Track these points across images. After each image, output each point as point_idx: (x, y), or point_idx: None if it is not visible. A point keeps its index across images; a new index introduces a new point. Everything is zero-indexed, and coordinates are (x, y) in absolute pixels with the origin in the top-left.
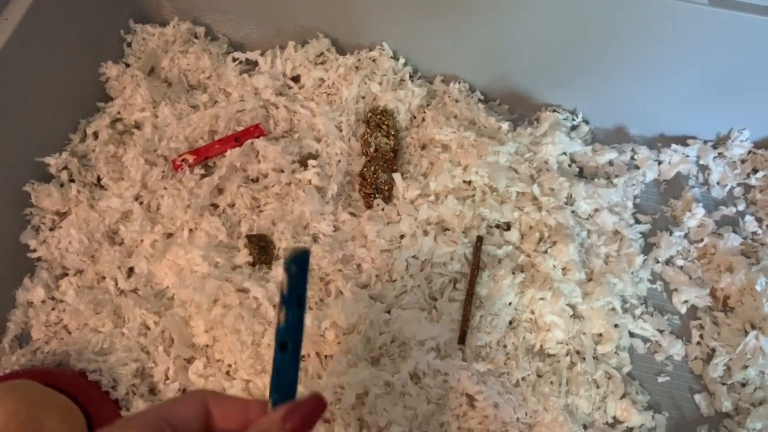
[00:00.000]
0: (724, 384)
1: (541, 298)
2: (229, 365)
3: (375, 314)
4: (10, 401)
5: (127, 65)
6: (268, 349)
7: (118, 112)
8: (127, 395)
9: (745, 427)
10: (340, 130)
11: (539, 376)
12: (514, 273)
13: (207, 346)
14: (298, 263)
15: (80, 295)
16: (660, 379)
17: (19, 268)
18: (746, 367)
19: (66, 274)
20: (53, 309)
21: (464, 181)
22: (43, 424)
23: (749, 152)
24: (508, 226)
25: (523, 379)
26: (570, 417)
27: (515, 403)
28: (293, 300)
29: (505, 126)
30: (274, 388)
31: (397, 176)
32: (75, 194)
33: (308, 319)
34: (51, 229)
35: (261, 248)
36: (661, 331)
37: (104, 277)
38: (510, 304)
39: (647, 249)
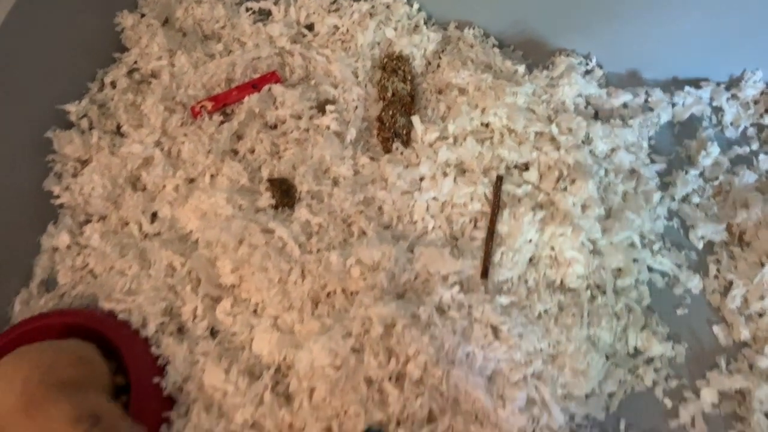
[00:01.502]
0: (741, 315)
1: (561, 235)
2: (257, 303)
3: (398, 252)
4: (25, 366)
5: (142, 15)
6: (295, 287)
7: (135, 62)
8: (156, 333)
9: (764, 354)
10: (357, 76)
11: (561, 309)
12: (534, 211)
13: (233, 286)
14: None
15: (105, 239)
16: (679, 312)
17: (43, 215)
18: (763, 297)
19: (89, 220)
20: (78, 254)
21: (482, 124)
22: (61, 376)
23: (762, 93)
24: (526, 166)
25: (545, 311)
26: (593, 347)
27: (539, 334)
28: None
29: (521, 69)
30: None
31: (415, 119)
32: (96, 141)
33: (333, 257)
34: (73, 176)
35: (283, 191)
36: (678, 266)
37: (128, 223)
38: (530, 241)
39: (663, 188)
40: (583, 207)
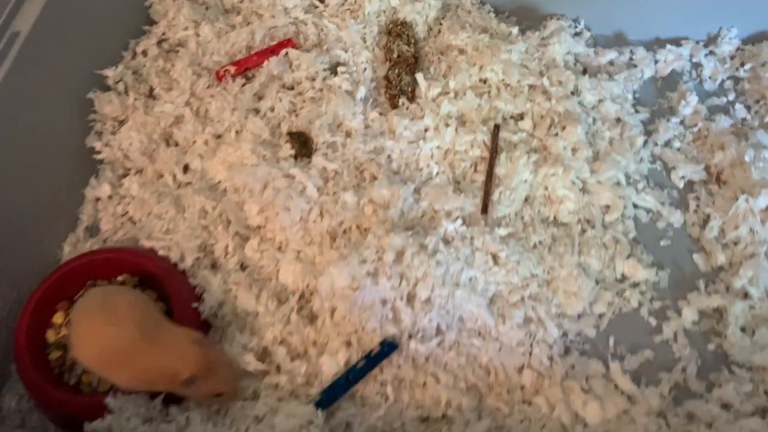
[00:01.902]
0: (718, 243)
1: (553, 175)
2: (281, 242)
3: (406, 192)
4: (86, 309)
5: None
6: (314, 224)
7: (163, 33)
8: (192, 267)
9: (739, 276)
10: (365, 41)
11: (554, 240)
12: (528, 154)
13: (260, 227)
14: (389, 346)
15: (143, 189)
16: (662, 243)
17: (85, 170)
18: (737, 227)
19: (127, 174)
20: (119, 203)
21: (480, 79)
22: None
23: (738, 49)
24: (521, 116)
25: (540, 242)
26: (583, 273)
27: (534, 261)
28: (371, 360)
29: (515, 30)
30: (325, 393)
31: (419, 76)
32: (132, 102)
33: (348, 197)
34: (112, 134)
35: (301, 143)
36: (661, 203)
37: (162, 175)
38: (525, 181)
39: (647, 135)
40: (573, 150)
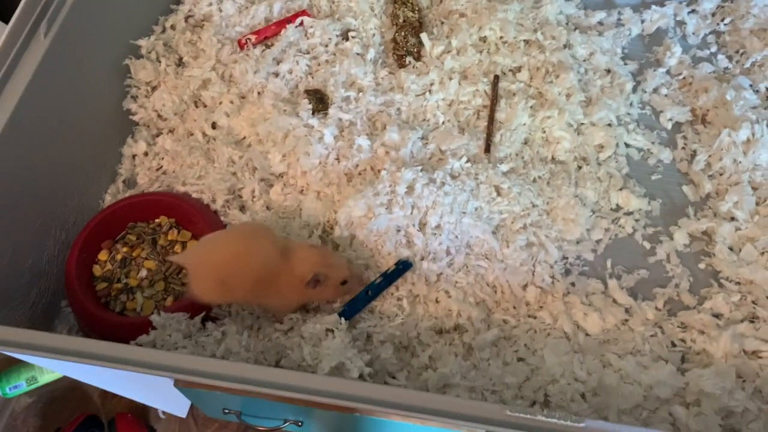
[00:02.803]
0: (705, 174)
1: (549, 117)
2: (302, 186)
3: (415, 138)
4: (261, 229)
5: None
6: (332, 167)
7: (189, 10)
8: (223, 207)
9: (724, 201)
10: (373, 10)
11: (552, 175)
12: (526, 100)
13: (283, 174)
14: (404, 264)
15: (176, 144)
16: (653, 177)
17: (123, 130)
18: (721, 159)
19: (161, 133)
20: (153, 159)
21: (480, 38)
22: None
23: (718, 6)
24: (519, 69)
25: (540, 177)
26: (580, 202)
27: (534, 193)
28: (387, 277)
29: None
30: (347, 305)
31: (424, 36)
32: (164, 68)
33: (362, 141)
34: (146, 97)
35: (318, 99)
36: (652, 143)
37: (192, 133)
38: (524, 124)
39: (636, 87)
40: (567, 95)
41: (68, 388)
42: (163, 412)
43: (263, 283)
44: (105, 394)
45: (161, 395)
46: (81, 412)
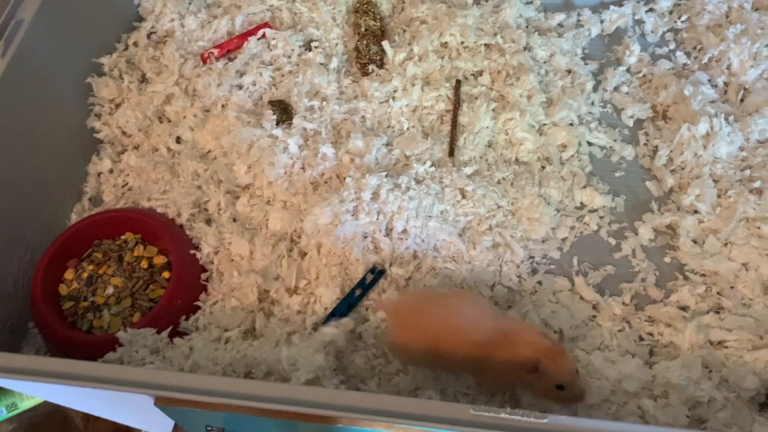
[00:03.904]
0: (667, 169)
1: (511, 119)
2: (269, 197)
3: (379, 144)
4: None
5: None
6: (298, 177)
7: (152, 26)
8: (188, 221)
9: (687, 194)
10: (335, 20)
11: (516, 176)
12: (488, 103)
13: (249, 185)
14: (377, 273)
15: (140, 160)
16: (617, 174)
17: (87, 148)
18: (683, 153)
19: (126, 150)
20: (119, 176)
21: (441, 44)
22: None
23: (675, 4)
24: (480, 73)
25: (503, 178)
26: (544, 201)
27: (499, 194)
28: (366, 285)
29: (470, 0)
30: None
31: (385, 44)
32: (126, 85)
33: (327, 149)
34: (110, 114)
35: (282, 109)
36: (614, 140)
37: (157, 148)
38: (487, 127)
39: (597, 86)
40: (528, 97)
41: (49, 412)
42: None
43: (476, 358)
44: (87, 417)
45: (143, 415)
46: None
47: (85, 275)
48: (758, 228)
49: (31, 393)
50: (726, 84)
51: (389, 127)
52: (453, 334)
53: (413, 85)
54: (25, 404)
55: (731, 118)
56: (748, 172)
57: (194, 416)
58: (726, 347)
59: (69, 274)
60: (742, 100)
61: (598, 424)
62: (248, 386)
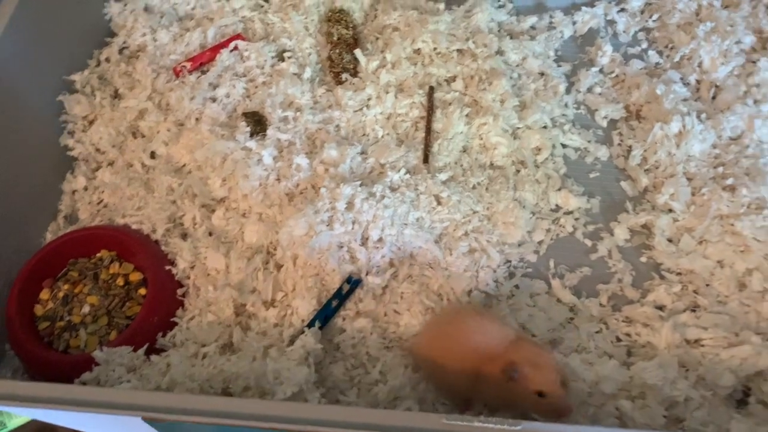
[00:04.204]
0: (642, 168)
1: (485, 124)
2: (244, 209)
3: (354, 153)
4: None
5: (125, 4)
6: (273, 188)
7: (124, 42)
8: (164, 236)
9: (661, 193)
10: (307, 30)
11: (491, 180)
12: (461, 109)
13: (224, 198)
14: (355, 282)
15: (115, 176)
16: (591, 176)
17: (62, 166)
18: (656, 152)
19: (100, 166)
20: (94, 193)
21: (414, 50)
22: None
23: (646, 3)
24: (454, 79)
25: (478, 183)
26: (519, 205)
27: (474, 199)
28: (343, 296)
29: (441, 6)
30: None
31: (358, 52)
32: (99, 101)
33: (301, 160)
34: (83, 131)
35: (256, 121)
36: (588, 141)
37: (132, 164)
38: (461, 132)
39: (570, 86)
40: (501, 101)
41: (38, 430)
42: None
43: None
44: None
45: (132, 430)
46: None
47: (60, 294)
48: (732, 225)
49: (16, 413)
50: (698, 82)
51: (364, 135)
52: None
53: (387, 92)
54: (14, 422)
55: (703, 115)
56: (721, 169)
57: (182, 429)
58: (702, 345)
59: (44, 294)
60: (713, 98)
61: (573, 430)
62: (227, 404)
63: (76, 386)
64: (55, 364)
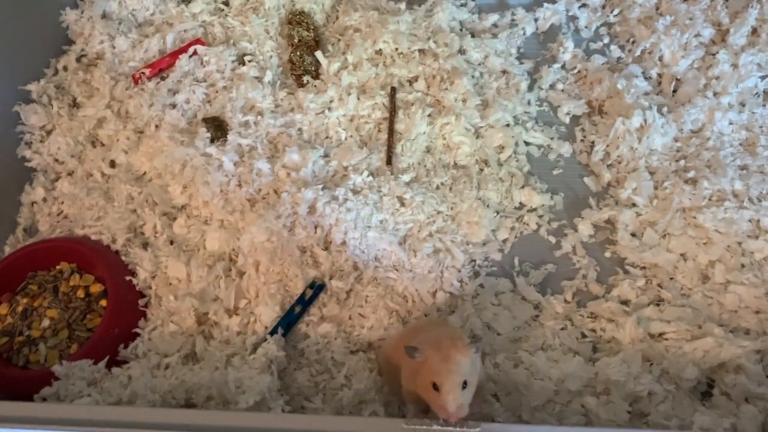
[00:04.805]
0: (604, 164)
1: (447, 124)
2: (206, 217)
3: (316, 155)
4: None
5: (82, 11)
6: (234, 194)
7: (82, 49)
8: (124, 246)
9: (624, 188)
10: (268, 33)
11: (454, 180)
12: (423, 109)
13: (185, 206)
14: (318, 287)
15: (74, 186)
16: (555, 172)
17: (20, 178)
18: (618, 147)
19: (59, 177)
20: (53, 204)
21: (375, 51)
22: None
23: None
24: (416, 79)
25: (442, 183)
26: (483, 205)
27: (438, 200)
28: (306, 301)
29: (402, 5)
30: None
31: (318, 54)
32: (56, 111)
33: (262, 165)
34: (41, 142)
35: (216, 126)
36: (551, 138)
37: (92, 174)
38: (424, 133)
39: (532, 83)
40: (463, 100)
41: None
42: None
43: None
44: None
45: None
46: None
47: (19, 309)
48: (694, 218)
49: None
50: (659, 75)
51: (327, 138)
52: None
53: (349, 94)
54: None
55: (665, 109)
56: (682, 162)
57: None
58: (666, 339)
59: (3, 309)
60: (674, 91)
61: (530, 430)
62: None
63: (36, 404)
64: (14, 380)
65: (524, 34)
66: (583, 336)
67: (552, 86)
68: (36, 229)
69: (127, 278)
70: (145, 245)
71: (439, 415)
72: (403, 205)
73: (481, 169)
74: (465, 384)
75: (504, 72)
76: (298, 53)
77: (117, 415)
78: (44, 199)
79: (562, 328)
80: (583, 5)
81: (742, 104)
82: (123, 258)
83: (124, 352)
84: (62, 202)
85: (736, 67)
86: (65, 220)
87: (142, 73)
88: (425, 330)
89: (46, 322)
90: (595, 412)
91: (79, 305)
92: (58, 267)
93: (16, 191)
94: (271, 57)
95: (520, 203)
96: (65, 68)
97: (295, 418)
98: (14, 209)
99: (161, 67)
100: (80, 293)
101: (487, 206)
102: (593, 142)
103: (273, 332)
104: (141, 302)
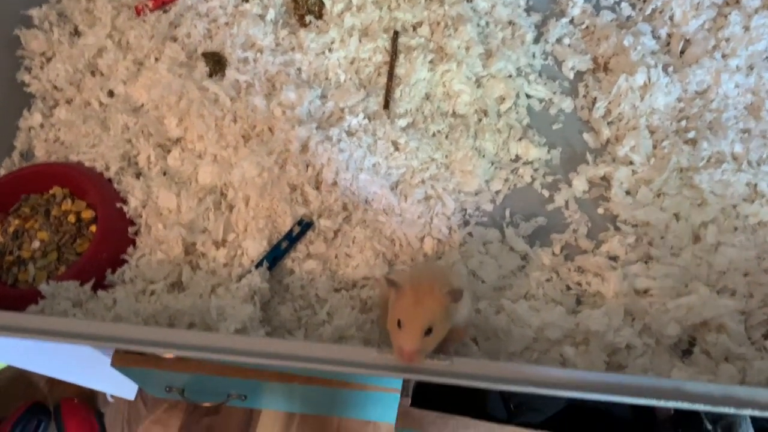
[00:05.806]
0: (605, 120)
1: (449, 71)
2: (200, 151)
3: (313, 95)
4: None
5: None
6: (229, 129)
7: None
8: (117, 174)
9: (622, 145)
10: None
11: (451, 128)
12: (425, 54)
13: (180, 139)
14: (305, 225)
15: (71, 113)
16: (554, 127)
17: (18, 103)
18: (620, 104)
19: (57, 104)
20: (50, 131)
21: None
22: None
23: None
24: (420, 24)
25: (439, 131)
26: (478, 154)
27: (433, 147)
28: (293, 238)
29: None
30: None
31: None
32: (57, 37)
33: (258, 101)
34: (41, 68)
35: (215, 61)
36: (553, 93)
37: (90, 103)
38: (424, 79)
39: (539, 36)
40: (466, 48)
41: (13, 378)
42: (112, 396)
43: None
44: (52, 382)
45: (105, 378)
46: (27, 400)
47: (11, 229)
48: (691, 178)
49: None
50: (669, 35)
51: (326, 79)
52: None
53: (351, 36)
54: None
55: (670, 69)
56: (684, 122)
57: (153, 377)
58: (650, 295)
59: None
60: (682, 52)
61: (500, 366)
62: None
63: (21, 314)
64: (2, 296)
65: None
66: (568, 288)
67: (558, 40)
68: (32, 154)
69: (118, 205)
70: (138, 175)
71: (395, 354)
72: (397, 149)
73: (480, 119)
74: (430, 331)
75: (510, 23)
76: None
77: (98, 329)
78: (41, 125)
79: (548, 280)
80: None
81: (751, 67)
82: (115, 186)
83: (111, 277)
84: (59, 129)
85: (748, 29)
86: (61, 146)
87: (145, 5)
88: (421, 271)
89: (36, 244)
90: (573, 362)
91: (70, 229)
92: (51, 191)
93: (14, 116)
94: None
95: (516, 156)
96: None
97: (272, 342)
98: (11, 133)
99: (164, 0)
100: (71, 218)
101: (483, 156)
102: (595, 98)
103: (258, 265)
104: (131, 230)
